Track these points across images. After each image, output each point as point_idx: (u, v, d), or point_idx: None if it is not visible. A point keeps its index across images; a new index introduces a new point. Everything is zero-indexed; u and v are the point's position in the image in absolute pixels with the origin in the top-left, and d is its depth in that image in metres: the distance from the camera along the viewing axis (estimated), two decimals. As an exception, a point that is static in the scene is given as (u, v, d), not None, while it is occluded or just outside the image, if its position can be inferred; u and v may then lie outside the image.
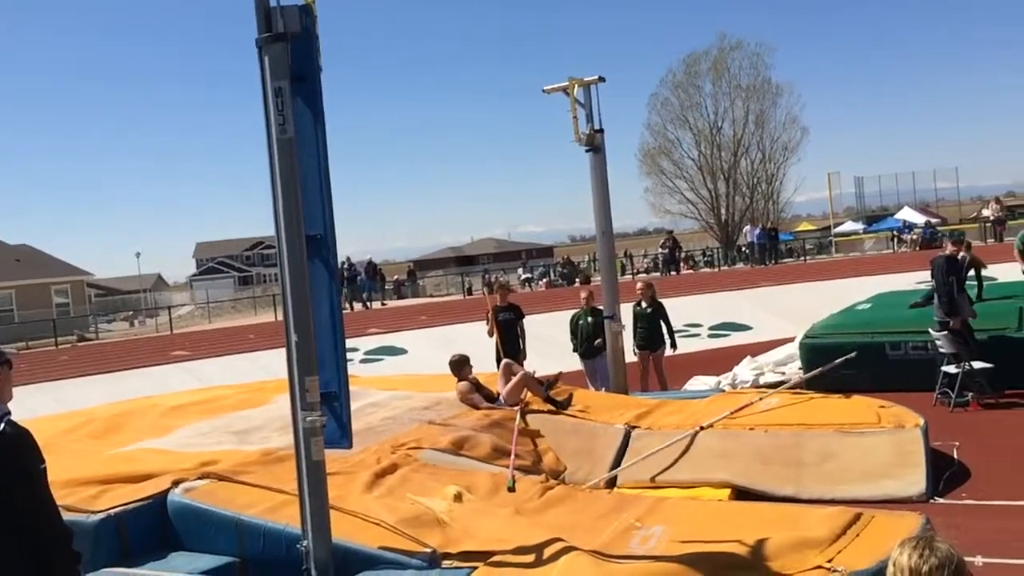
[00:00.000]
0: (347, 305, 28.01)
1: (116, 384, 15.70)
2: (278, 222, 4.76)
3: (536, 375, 9.17)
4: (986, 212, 34.89)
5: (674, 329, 11.85)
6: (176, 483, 5.92)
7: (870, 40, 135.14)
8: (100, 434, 8.10)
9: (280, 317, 5.12)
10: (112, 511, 5.57)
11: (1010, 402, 9.59)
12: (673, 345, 11.67)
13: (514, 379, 8.63)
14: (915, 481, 6.86)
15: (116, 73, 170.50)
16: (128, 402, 10.14)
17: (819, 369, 8.66)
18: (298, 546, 4.86)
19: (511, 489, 6.08)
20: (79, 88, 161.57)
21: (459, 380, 8.69)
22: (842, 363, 8.55)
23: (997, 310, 11.44)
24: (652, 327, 11.53)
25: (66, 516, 4.82)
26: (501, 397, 8.58)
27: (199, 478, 6.03)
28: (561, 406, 8.51)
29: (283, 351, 4.84)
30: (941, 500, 6.75)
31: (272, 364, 14.36)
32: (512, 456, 7.03)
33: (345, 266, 29.78)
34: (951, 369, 9.74)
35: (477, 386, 8.68)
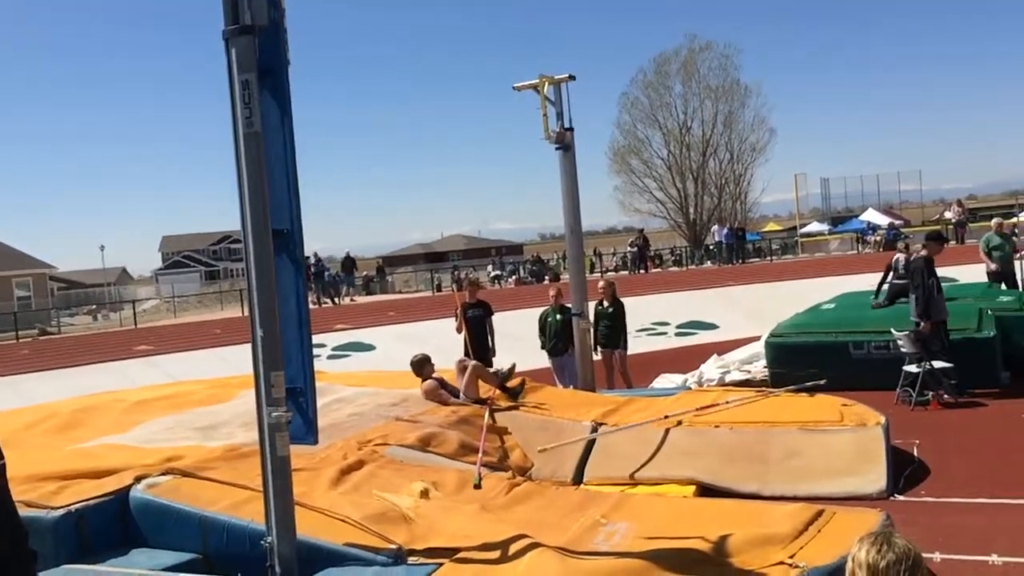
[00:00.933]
0: (315, 301, 27.84)
1: (78, 379, 15.50)
2: (244, 216, 4.72)
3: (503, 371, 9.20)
4: (948, 215, 35.53)
5: (641, 328, 11.94)
6: (138, 479, 5.86)
7: (839, 46, 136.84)
8: (61, 429, 7.98)
9: (246, 312, 5.07)
10: (72, 507, 5.49)
11: (970, 401, 9.77)
12: (624, 347, 11.72)
13: (466, 372, 8.68)
14: (876, 478, 6.96)
15: (81, 60, 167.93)
16: (91, 397, 10.00)
17: (789, 388, 8.73)
18: (262, 542, 4.83)
19: (477, 486, 6.09)
20: (43, 74, 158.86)
21: (423, 380, 8.71)
22: (812, 386, 8.58)
23: (958, 311, 11.63)
24: (613, 326, 11.60)
25: (26, 512, 4.76)
26: (461, 393, 8.61)
27: (162, 474, 5.97)
28: (514, 394, 8.60)
29: (249, 346, 4.81)
30: (901, 497, 6.86)
31: (238, 359, 14.23)
32: (480, 453, 7.04)
33: (312, 261, 29.61)
34: (912, 368, 9.90)
35: (442, 383, 8.70)
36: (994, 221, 14.99)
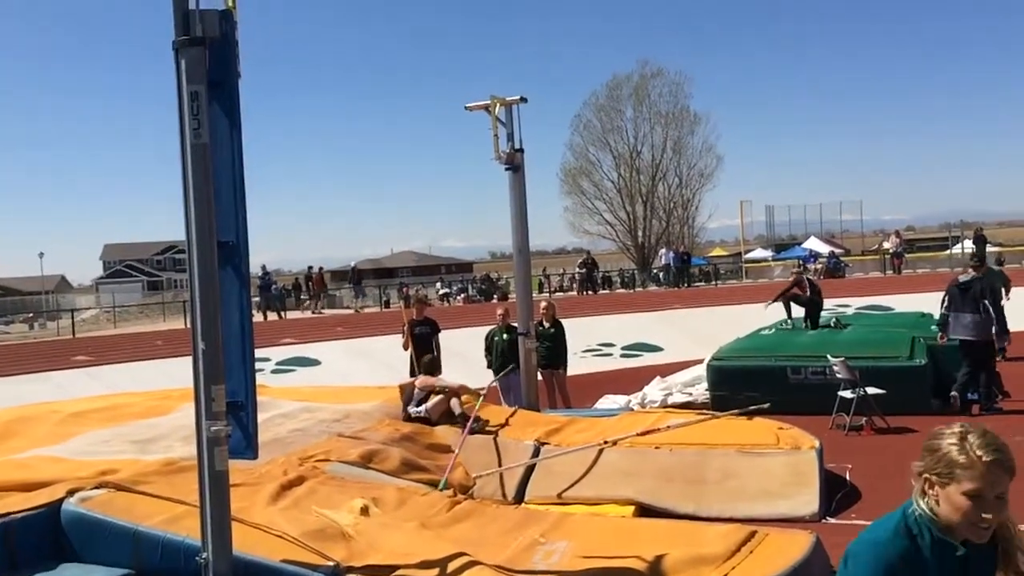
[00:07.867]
0: (262, 313, 27.50)
1: (12, 388, 15.06)
2: (189, 227, 4.69)
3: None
4: (887, 245, 36.49)
5: (587, 349, 12.08)
6: (71, 492, 5.73)
7: (784, 78, 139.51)
8: (-8, 440, 7.77)
9: (189, 324, 5.03)
10: (0, 520, 5.36)
11: (900, 427, 10.04)
12: (564, 367, 11.85)
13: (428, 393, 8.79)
14: (809, 501, 7.13)
15: (22, 64, 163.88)
16: (25, 407, 9.73)
17: (733, 412, 8.88)
18: (197, 558, 4.77)
19: (443, 488, 6.14)
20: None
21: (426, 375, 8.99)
22: (755, 411, 8.72)
23: (892, 339, 12.01)
24: (554, 346, 11.68)
25: (-49, 524, 4.63)
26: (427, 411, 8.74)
27: (96, 487, 5.86)
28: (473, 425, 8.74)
29: (191, 359, 4.77)
30: (833, 520, 7.03)
31: (179, 372, 13.97)
32: (457, 449, 7.15)
33: (260, 275, 29.30)
34: (847, 394, 10.16)
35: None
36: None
